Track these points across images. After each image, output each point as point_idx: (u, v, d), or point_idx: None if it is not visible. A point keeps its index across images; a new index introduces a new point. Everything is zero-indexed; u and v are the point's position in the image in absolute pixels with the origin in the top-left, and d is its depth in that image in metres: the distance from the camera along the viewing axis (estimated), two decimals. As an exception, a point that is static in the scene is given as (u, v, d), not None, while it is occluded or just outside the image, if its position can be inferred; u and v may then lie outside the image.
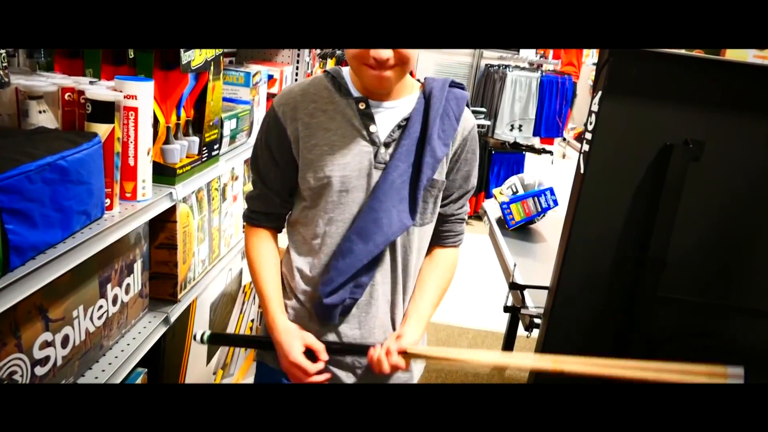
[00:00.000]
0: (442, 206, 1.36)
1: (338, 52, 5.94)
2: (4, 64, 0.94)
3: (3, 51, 0.94)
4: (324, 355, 1.26)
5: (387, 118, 1.27)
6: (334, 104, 1.26)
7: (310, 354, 1.25)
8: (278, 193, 1.34)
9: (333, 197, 1.25)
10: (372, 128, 1.25)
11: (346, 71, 1.29)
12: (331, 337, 1.31)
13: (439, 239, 1.39)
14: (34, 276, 0.99)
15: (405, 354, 1.25)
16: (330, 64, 5.75)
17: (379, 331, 1.32)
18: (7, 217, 0.92)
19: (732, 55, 1.92)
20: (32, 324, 1.09)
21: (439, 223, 1.37)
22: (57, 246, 1.07)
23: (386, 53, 1.14)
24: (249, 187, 2.26)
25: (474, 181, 1.39)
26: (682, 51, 1.82)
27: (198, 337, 1.35)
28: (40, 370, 1.13)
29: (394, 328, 1.34)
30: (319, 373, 1.25)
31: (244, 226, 1.41)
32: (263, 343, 1.37)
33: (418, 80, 1.34)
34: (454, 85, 1.32)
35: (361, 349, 1.29)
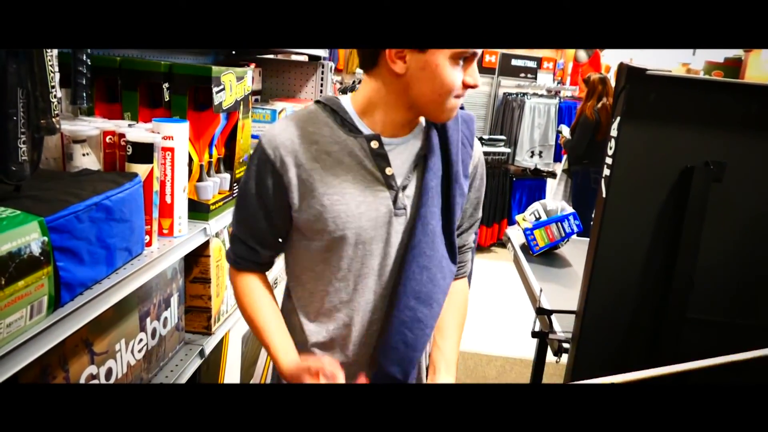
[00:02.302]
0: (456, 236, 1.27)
1: (358, 86, 6.05)
2: (56, 112, 1.01)
3: (55, 100, 1.01)
4: (340, 376, 1.07)
5: (400, 156, 1.15)
6: (338, 144, 1.11)
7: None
8: (268, 246, 1.21)
9: (348, 252, 1.13)
10: (388, 171, 1.12)
11: (345, 101, 1.15)
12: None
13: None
14: (82, 311, 1.04)
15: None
16: (350, 97, 5.86)
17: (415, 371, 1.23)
18: (59, 255, 0.98)
19: (751, 77, 1.94)
20: (79, 358, 1.14)
21: None
22: (102, 282, 1.12)
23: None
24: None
25: (481, 209, 1.34)
26: (699, 75, 1.85)
27: None
28: (86, 402, 1.18)
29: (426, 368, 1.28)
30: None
31: (229, 268, 1.27)
32: None
33: None
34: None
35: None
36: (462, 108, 1.20)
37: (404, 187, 1.14)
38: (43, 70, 0.99)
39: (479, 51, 1.07)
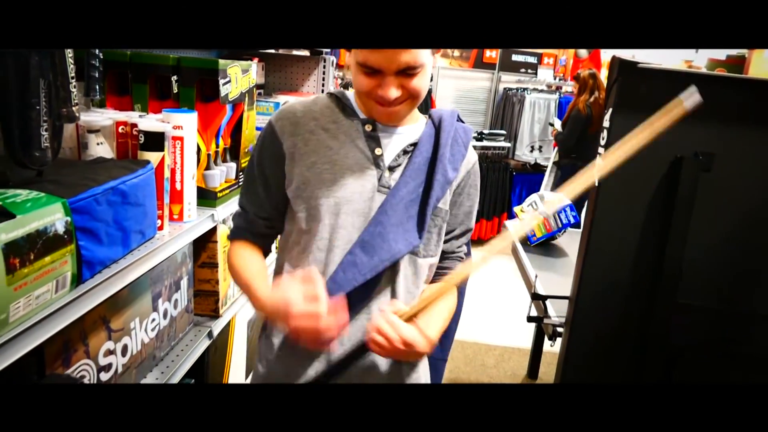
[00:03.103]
0: (444, 242, 1.30)
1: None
2: (75, 101, 1.08)
3: (74, 90, 1.07)
4: (322, 293, 1.04)
5: (393, 142, 1.24)
6: (337, 123, 1.23)
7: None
8: (264, 215, 1.27)
9: (330, 220, 1.18)
10: (377, 151, 1.21)
11: (350, 93, 1.28)
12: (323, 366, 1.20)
13: (438, 276, 1.32)
14: (101, 288, 1.11)
15: (406, 318, 1.13)
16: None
17: (381, 365, 1.24)
18: (80, 235, 1.05)
19: (755, 72, 2.00)
20: (97, 333, 1.22)
21: (440, 260, 1.31)
22: (119, 261, 1.19)
23: (394, 93, 1.12)
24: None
25: (474, 220, 1.37)
26: (690, 68, 1.90)
27: None
28: (104, 376, 1.25)
29: (395, 366, 1.26)
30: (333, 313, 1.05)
31: (228, 247, 1.32)
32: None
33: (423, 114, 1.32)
34: (459, 119, 1.31)
35: (357, 354, 1.19)
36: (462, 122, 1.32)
37: (391, 168, 1.22)
38: (63, 62, 1.07)
39: (386, 69, 1.10)
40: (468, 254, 1.40)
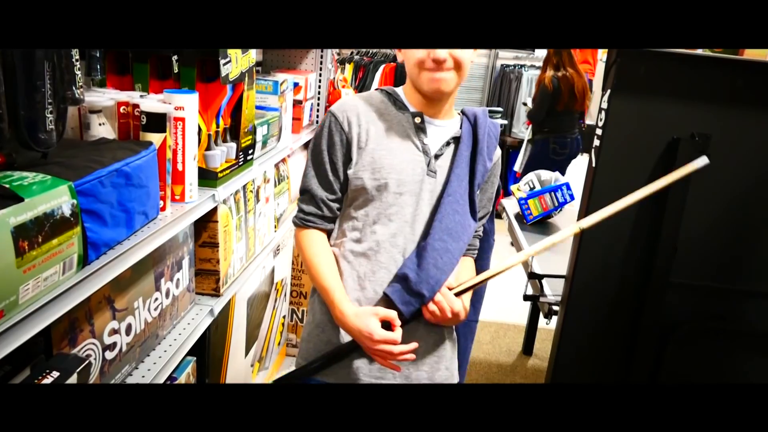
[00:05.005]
0: None
1: (356, 57, 6.08)
2: (80, 84, 1.08)
3: (79, 72, 1.08)
4: (398, 322, 1.32)
5: (437, 134, 1.44)
6: (390, 115, 1.43)
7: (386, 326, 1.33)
8: (334, 197, 1.44)
9: (389, 198, 1.37)
10: (425, 140, 1.42)
11: (400, 90, 1.48)
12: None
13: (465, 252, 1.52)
14: (106, 269, 1.13)
15: (456, 293, 1.37)
16: (348, 69, 5.89)
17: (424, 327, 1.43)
18: (86, 217, 1.06)
19: (751, 52, 2.00)
20: (102, 313, 1.23)
21: None
22: (123, 243, 1.20)
23: (443, 53, 1.31)
24: (281, 188, 2.39)
25: (492, 205, 1.58)
26: (688, 50, 1.91)
27: None
28: (109, 355, 1.27)
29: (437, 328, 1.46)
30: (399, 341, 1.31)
31: (295, 231, 1.50)
32: (322, 363, 1.41)
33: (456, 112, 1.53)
34: (490, 113, 1.51)
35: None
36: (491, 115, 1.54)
37: (437, 156, 1.42)
38: (67, 44, 1.06)
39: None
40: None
